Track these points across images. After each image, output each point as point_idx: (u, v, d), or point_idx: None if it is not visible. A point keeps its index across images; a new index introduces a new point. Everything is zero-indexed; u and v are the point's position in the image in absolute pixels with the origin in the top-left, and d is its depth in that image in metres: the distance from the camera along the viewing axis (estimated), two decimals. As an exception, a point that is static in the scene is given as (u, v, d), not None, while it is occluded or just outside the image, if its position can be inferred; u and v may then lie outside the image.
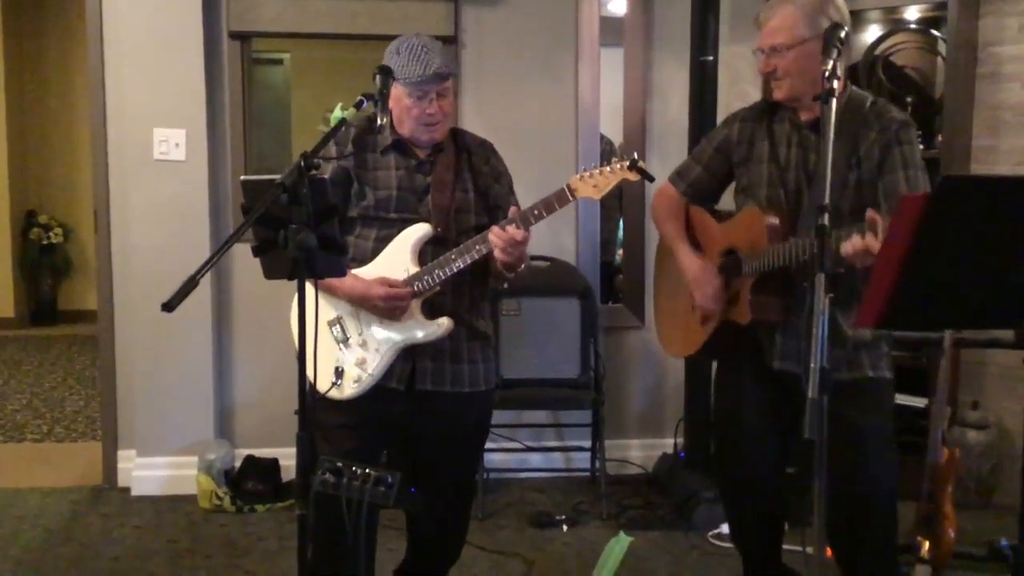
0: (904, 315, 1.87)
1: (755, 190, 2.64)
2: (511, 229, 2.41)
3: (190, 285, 1.78)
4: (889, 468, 2.59)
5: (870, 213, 2.21)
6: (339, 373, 2.54)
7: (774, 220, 2.53)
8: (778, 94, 2.58)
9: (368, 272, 2.55)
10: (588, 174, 2.47)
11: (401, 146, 2.60)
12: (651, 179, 2.54)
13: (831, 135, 2.04)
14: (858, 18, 4.39)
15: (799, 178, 2.57)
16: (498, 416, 3.73)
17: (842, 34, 2.22)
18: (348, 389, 2.55)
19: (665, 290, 2.97)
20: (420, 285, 2.51)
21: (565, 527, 3.88)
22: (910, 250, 1.73)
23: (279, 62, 7.00)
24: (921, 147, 4.05)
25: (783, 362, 2.59)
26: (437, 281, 2.51)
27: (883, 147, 2.49)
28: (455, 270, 2.50)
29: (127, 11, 4.11)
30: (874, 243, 2.17)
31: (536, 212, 2.45)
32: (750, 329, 2.60)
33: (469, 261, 2.49)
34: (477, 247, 2.48)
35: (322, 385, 2.54)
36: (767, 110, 2.67)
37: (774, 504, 2.81)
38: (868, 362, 2.56)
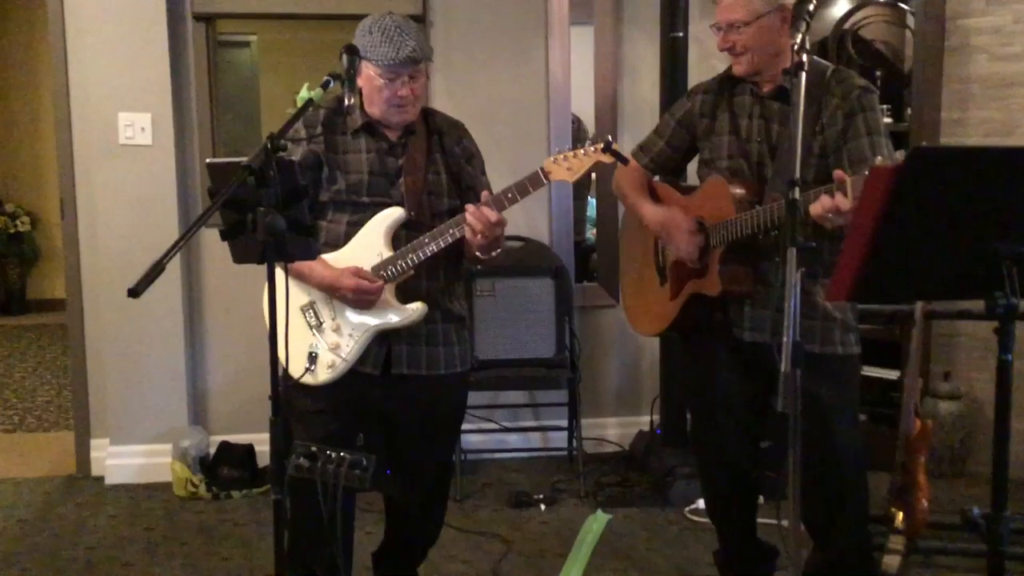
0: (875, 288, 1.87)
1: (716, 163, 2.63)
2: (486, 210, 2.39)
3: (156, 270, 1.75)
4: (856, 439, 2.61)
5: (838, 173, 2.22)
6: (313, 358, 2.53)
7: (740, 190, 2.52)
8: (739, 69, 2.57)
9: (341, 256, 2.53)
10: (562, 157, 2.45)
11: (372, 128, 2.57)
12: (625, 162, 2.53)
13: (801, 108, 2.04)
14: (827, -8, 4.39)
15: (761, 149, 2.56)
16: (474, 397, 3.72)
17: (811, 7, 2.21)
18: (322, 375, 2.53)
19: (632, 267, 2.94)
20: (393, 269, 2.49)
21: (543, 506, 3.89)
22: (880, 222, 1.73)
23: (246, 45, 6.91)
24: (890, 120, 4.13)
25: (753, 333, 2.58)
26: (411, 265, 2.49)
27: (846, 114, 2.47)
28: (428, 254, 2.48)
29: (89, -7, 4.05)
30: (843, 201, 2.17)
31: (510, 195, 2.44)
32: (719, 302, 2.60)
33: (443, 245, 2.47)
34: (450, 230, 2.46)
35: (296, 370, 2.52)
36: (728, 83, 2.66)
37: (750, 477, 2.82)
38: (839, 338, 2.56)
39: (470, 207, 2.42)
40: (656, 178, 2.86)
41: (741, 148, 2.59)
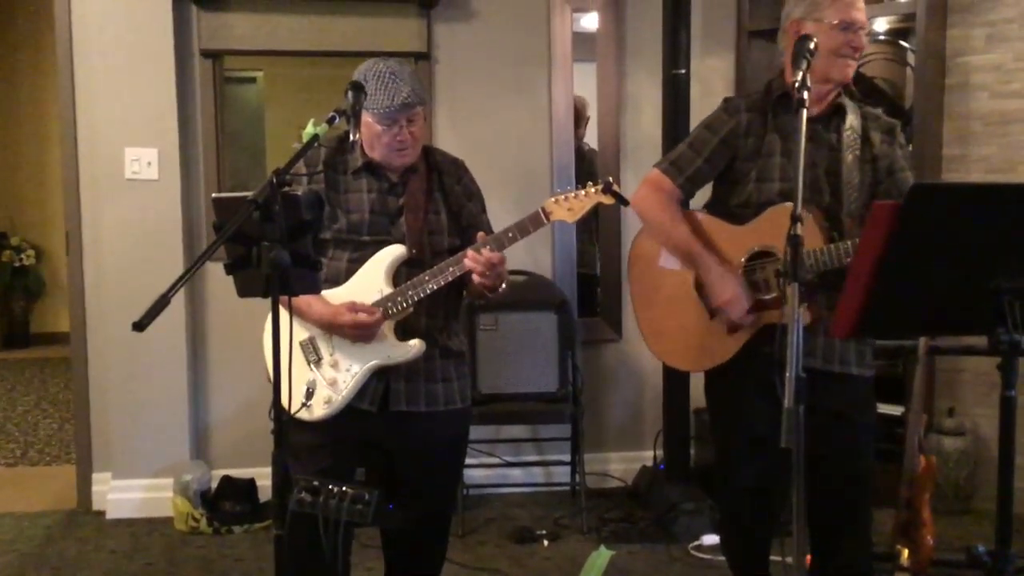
0: (878, 323, 1.88)
1: (767, 185, 2.55)
2: (486, 251, 2.41)
3: (161, 304, 1.76)
4: (871, 464, 2.66)
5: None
6: (309, 394, 2.52)
7: (814, 218, 2.45)
8: (849, 71, 2.52)
9: (341, 293, 2.53)
10: (563, 197, 2.48)
11: (373, 168, 2.59)
12: (626, 203, 2.54)
13: (803, 142, 2.06)
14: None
15: (816, 174, 2.53)
16: (477, 431, 3.71)
17: (811, 45, 2.23)
18: (319, 410, 2.53)
19: (659, 298, 2.74)
20: (393, 307, 2.50)
21: (546, 542, 3.86)
22: (882, 258, 1.74)
23: (252, 80, 6.98)
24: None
25: (807, 359, 2.46)
26: (410, 303, 2.50)
27: (890, 146, 2.58)
28: (428, 292, 2.49)
29: (98, 30, 4.10)
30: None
31: (510, 235, 2.46)
32: (770, 331, 2.49)
33: (443, 283, 2.48)
34: (451, 268, 2.47)
35: (292, 406, 2.51)
36: (777, 102, 2.58)
37: (775, 511, 2.78)
38: (870, 360, 2.62)
39: (470, 252, 2.43)
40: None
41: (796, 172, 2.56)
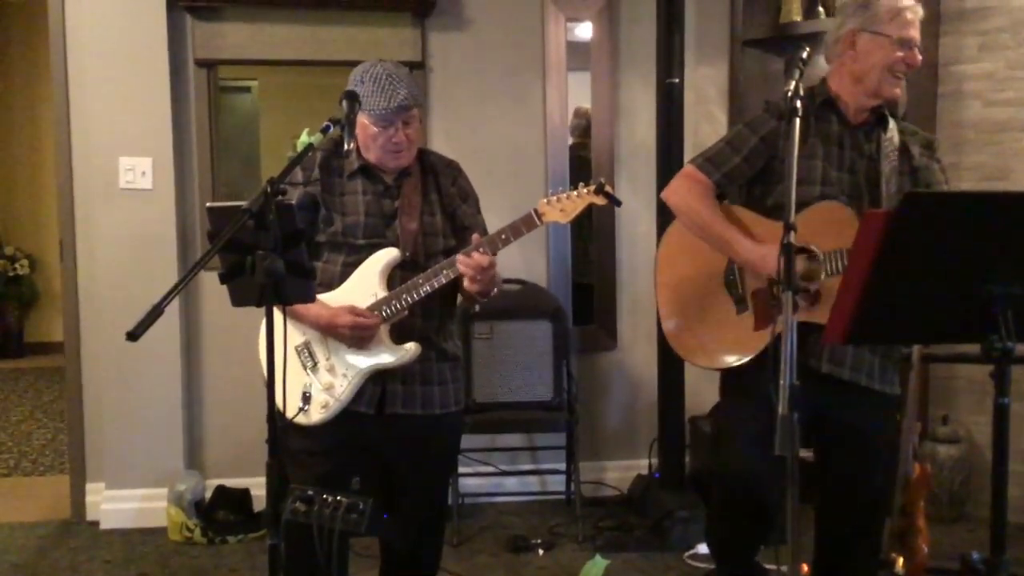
0: (870, 330, 1.88)
1: (807, 187, 2.52)
2: (477, 255, 2.41)
3: (155, 313, 1.76)
4: (890, 482, 2.65)
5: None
6: (306, 398, 2.53)
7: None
8: (898, 91, 2.54)
9: (336, 297, 2.54)
10: (556, 198, 2.49)
11: (368, 171, 2.60)
12: (618, 203, 2.54)
13: (795, 152, 2.07)
14: (820, 39, 4.44)
15: (856, 180, 2.54)
16: (472, 440, 3.70)
17: (804, 55, 2.24)
18: (315, 415, 2.53)
19: (686, 293, 2.70)
20: (388, 310, 2.51)
21: (541, 551, 3.86)
22: (874, 266, 1.75)
23: (247, 89, 6.97)
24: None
25: (830, 365, 2.53)
26: (405, 306, 2.51)
27: (928, 159, 2.60)
28: (422, 294, 2.50)
29: (92, 39, 4.09)
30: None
31: (504, 237, 2.46)
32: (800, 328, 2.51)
33: (436, 286, 2.49)
34: (444, 271, 2.48)
35: (290, 411, 2.52)
36: (813, 108, 2.55)
37: (774, 515, 2.76)
38: (897, 379, 2.62)
39: (460, 256, 2.44)
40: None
41: (836, 176, 2.54)
